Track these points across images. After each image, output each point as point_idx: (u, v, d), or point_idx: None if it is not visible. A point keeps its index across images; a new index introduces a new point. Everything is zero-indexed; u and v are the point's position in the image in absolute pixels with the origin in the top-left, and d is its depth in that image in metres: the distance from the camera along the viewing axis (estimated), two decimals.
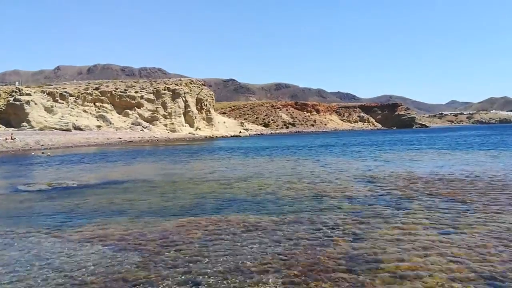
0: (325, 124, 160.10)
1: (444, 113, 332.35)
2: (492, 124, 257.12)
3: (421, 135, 77.31)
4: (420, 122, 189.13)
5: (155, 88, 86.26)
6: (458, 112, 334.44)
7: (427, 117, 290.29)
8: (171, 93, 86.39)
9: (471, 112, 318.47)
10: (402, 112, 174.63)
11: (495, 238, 7.69)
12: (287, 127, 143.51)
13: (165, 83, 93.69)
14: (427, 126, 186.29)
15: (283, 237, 8.15)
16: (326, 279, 5.96)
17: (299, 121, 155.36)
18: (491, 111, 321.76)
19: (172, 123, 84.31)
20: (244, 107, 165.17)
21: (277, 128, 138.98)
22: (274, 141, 62.64)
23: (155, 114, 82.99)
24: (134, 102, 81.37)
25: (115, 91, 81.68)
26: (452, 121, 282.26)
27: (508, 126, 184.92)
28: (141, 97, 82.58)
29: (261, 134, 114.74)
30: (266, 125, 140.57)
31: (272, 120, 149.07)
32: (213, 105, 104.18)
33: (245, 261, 6.79)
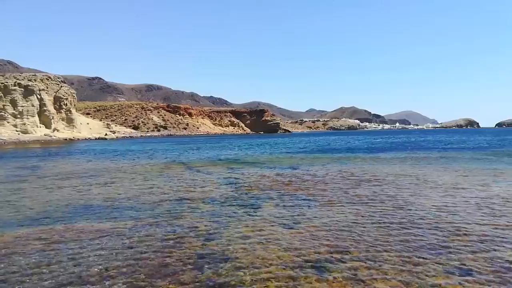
0: (198, 128, 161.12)
1: (304, 119, 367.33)
2: (342, 130, 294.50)
3: (285, 139, 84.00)
4: (284, 128, 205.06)
5: (2, 83, 74.71)
6: (316, 119, 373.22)
7: (290, 123, 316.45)
8: (22, 89, 76.13)
9: (326, 120, 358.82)
10: (269, 118, 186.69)
11: (327, 230, 8.93)
12: (159, 130, 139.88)
13: (15, 78, 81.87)
14: (290, 131, 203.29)
15: (135, 242, 8.04)
16: (172, 280, 6.13)
17: (171, 124, 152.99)
18: (342, 119, 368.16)
19: (24, 124, 74.39)
20: (111, 108, 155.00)
21: (147, 131, 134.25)
22: (143, 145, 60.43)
23: (2, 113, 71.96)
24: None
25: None
26: (310, 127, 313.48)
27: (355, 132, 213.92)
28: None
29: (130, 137, 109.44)
30: (135, 128, 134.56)
31: (142, 122, 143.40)
32: (74, 105, 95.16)
33: (90, 269, 6.51)
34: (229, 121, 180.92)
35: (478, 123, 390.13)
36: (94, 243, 7.95)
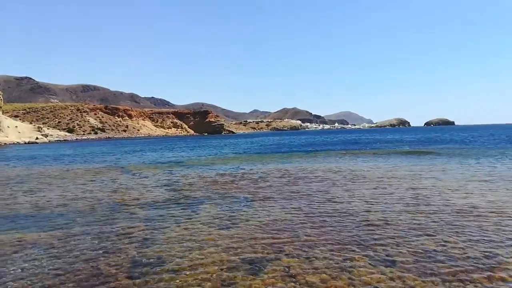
0: (138, 130, 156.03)
1: (248, 120, 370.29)
2: (285, 130, 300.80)
3: (229, 140, 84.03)
4: (228, 129, 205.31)
5: None
6: (259, 120, 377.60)
7: (234, 124, 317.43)
8: None
9: (269, 120, 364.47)
10: (213, 119, 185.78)
11: (264, 230, 9.09)
12: (96, 133, 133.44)
13: None
14: (234, 132, 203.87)
15: (64, 252, 7.61)
16: None
17: (110, 126, 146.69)
18: (285, 120, 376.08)
19: None
20: (43, 110, 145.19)
21: (84, 134, 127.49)
22: (79, 148, 57.27)
23: None
24: None
25: None
26: (254, 128, 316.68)
27: (297, 132, 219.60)
28: None
29: (65, 140, 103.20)
30: (70, 131, 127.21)
31: (78, 125, 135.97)
32: (0, 107, 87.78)
33: (10, 285, 6.05)
34: (171, 122, 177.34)
35: (409, 122, 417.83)
36: (17, 256, 7.40)
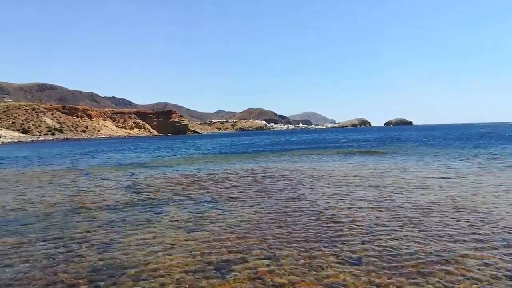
0: (99, 131, 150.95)
1: (213, 121, 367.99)
2: (250, 130, 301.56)
3: (194, 140, 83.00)
4: (193, 129, 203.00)
5: None
6: (224, 120, 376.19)
7: (199, 124, 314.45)
8: None
9: (234, 121, 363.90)
10: (177, 119, 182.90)
11: (231, 231, 8.96)
12: (53, 134, 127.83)
13: None
14: (199, 133, 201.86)
15: (18, 260, 7.14)
16: None
17: (68, 127, 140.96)
18: (250, 120, 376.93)
19: None
20: None
21: (40, 135, 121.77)
22: (35, 150, 54.57)
23: None
24: None
25: None
26: (219, 128, 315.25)
27: (262, 132, 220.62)
28: None
29: (19, 141, 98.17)
30: (25, 131, 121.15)
31: (33, 125, 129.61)
32: None
33: None
34: (134, 123, 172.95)
35: (370, 122, 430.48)
36: None
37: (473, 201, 11.26)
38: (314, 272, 6.25)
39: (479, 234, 8.01)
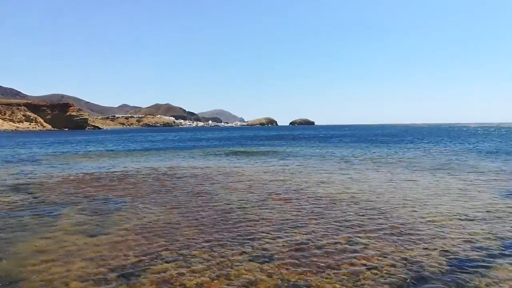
0: None
1: (117, 115, 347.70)
2: (157, 127, 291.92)
3: (95, 136, 77.33)
4: (94, 124, 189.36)
5: None
6: (129, 115, 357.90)
7: (100, 119, 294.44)
8: None
9: (140, 116, 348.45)
10: (75, 113, 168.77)
11: (137, 233, 8.40)
12: None
13: None
14: (100, 128, 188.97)
15: None
16: None
17: None
18: (157, 116, 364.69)
19: None
20: None
21: None
22: None
23: None
24: None
25: None
26: (124, 124, 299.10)
27: (170, 129, 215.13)
28: None
29: None
30: None
31: None
32: None
33: None
34: (23, 115, 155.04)
35: (276, 122, 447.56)
36: None
37: (369, 195, 12.26)
38: (225, 272, 6.13)
39: (377, 224, 8.70)
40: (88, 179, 16.46)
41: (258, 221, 9.20)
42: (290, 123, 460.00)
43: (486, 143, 40.59)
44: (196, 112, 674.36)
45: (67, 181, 15.89)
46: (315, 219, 9.37)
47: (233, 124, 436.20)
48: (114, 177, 17.21)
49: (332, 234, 8.07)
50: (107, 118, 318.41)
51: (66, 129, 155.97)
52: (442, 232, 8.18)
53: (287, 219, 9.33)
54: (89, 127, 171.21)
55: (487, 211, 10.01)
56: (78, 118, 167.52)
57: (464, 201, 11.37)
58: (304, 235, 8.01)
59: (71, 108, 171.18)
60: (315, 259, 6.64)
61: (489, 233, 8.08)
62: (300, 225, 8.85)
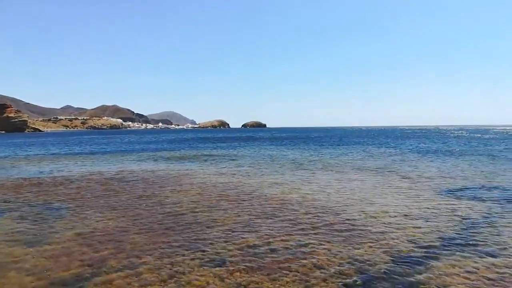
0: None
1: (59, 117, 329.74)
2: (104, 129, 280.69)
3: (37, 139, 72.69)
4: (34, 126, 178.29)
5: None
6: (73, 117, 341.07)
7: (41, 121, 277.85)
8: None
9: (85, 118, 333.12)
10: (12, 115, 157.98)
11: (82, 242, 7.96)
12: None
13: None
14: (41, 131, 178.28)
15: None
16: None
17: None
18: (104, 118, 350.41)
19: None
20: None
21: None
22: None
23: None
24: None
25: None
26: (67, 126, 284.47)
27: (118, 131, 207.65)
28: None
29: None
30: None
31: None
32: None
33: None
34: None
35: (228, 124, 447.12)
36: None
37: (317, 195, 12.56)
38: (176, 278, 5.97)
39: (325, 225, 8.91)
40: (28, 184, 15.41)
41: (210, 224, 9.09)
42: (242, 126, 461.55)
43: (424, 144, 43.25)
44: (145, 114, 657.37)
45: (4, 187, 14.76)
46: (267, 220, 9.42)
47: (184, 127, 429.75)
48: (57, 181, 16.26)
49: (283, 235, 8.14)
50: (49, 120, 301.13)
51: (3, 132, 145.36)
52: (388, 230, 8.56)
53: (239, 222, 9.29)
54: (29, 130, 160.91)
55: (428, 209, 10.63)
56: (16, 120, 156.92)
57: (408, 199, 11.99)
58: (256, 237, 8.01)
59: (8, 109, 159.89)
60: (267, 261, 6.65)
61: (431, 230, 8.57)
62: (252, 227, 8.84)
